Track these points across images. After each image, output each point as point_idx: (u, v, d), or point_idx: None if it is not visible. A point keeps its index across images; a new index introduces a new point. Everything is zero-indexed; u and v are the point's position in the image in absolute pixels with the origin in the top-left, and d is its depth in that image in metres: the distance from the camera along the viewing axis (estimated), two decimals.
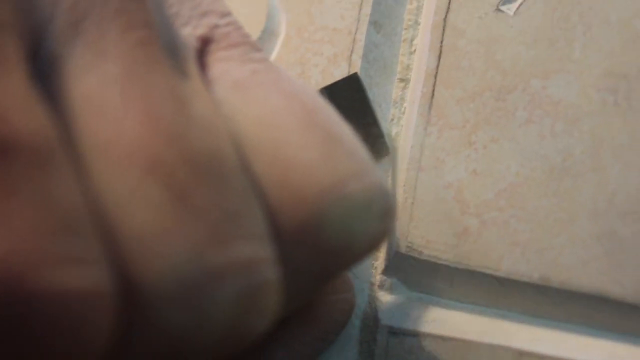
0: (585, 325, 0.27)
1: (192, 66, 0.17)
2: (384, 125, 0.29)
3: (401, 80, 0.30)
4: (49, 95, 0.15)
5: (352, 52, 0.30)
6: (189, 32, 0.18)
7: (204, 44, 0.18)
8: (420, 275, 0.29)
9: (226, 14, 0.19)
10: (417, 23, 0.30)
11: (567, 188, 0.27)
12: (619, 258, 0.26)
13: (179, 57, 0.17)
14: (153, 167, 0.15)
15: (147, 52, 0.16)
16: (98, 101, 0.15)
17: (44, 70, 0.15)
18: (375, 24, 0.30)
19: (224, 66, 0.18)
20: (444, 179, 0.28)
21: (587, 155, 0.27)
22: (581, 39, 0.27)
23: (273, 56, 0.31)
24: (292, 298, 0.18)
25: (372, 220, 0.18)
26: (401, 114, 0.29)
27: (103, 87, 0.15)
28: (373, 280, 0.29)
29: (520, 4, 0.28)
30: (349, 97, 0.27)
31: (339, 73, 0.30)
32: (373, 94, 0.30)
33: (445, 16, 0.29)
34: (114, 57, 0.15)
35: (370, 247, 0.18)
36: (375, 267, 0.29)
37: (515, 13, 0.28)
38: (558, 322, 0.28)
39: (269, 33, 0.31)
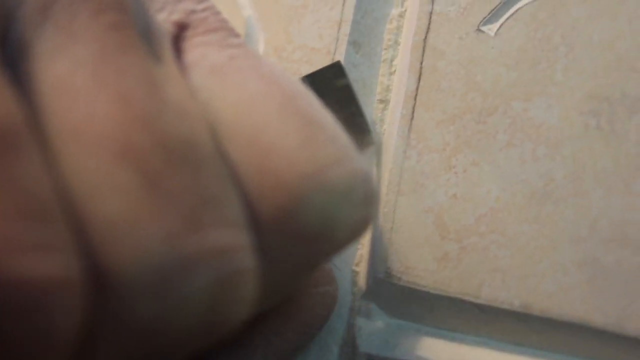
0: (566, 353, 0.27)
1: (167, 51, 0.17)
2: (369, 114, 0.28)
3: (381, 101, 0.29)
4: (18, 79, 0.15)
5: None
6: (165, 18, 0.18)
7: (180, 30, 0.18)
8: (400, 301, 0.28)
9: (199, 7, 0.18)
10: (397, 43, 0.29)
11: (548, 213, 0.26)
12: (601, 286, 0.25)
13: (153, 43, 0.16)
14: (125, 152, 0.14)
15: (120, 36, 0.15)
16: (69, 84, 0.14)
17: (12, 55, 0.15)
18: (355, 44, 0.30)
19: (201, 51, 0.17)
20: (423, 203, 0.28)
21: (569, 180, 0.26)
22: (563, 61, 0.26)
23: None
24: (272, 288, 0.18)
25: (354, 207, 0.17)
26: (381, 135, 0.29)
27: (74, 70, 0.14)
28: (352, 306, 0.29)
29: (501, 25, 0.27)
30: (332, 86, 0.26)
31: None
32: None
33: (425, 37, 0.28)
34: (86, 40, 0.15)
35: (352, 235, 0.18)
36: (354, 293, 0.29)
37: (496, 34, 0.27)
38: (539, 350, 0.27)
39: None
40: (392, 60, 0.29)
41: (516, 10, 0.27)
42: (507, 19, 0.27)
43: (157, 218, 0.14)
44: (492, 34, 0.27)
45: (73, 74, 0.14)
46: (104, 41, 0.15)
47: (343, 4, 0.29)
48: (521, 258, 0.26)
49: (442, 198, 0.27)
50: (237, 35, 0.18)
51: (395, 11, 0.30)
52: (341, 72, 0.27)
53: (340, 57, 0.29)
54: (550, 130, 0.26)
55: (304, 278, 0.20)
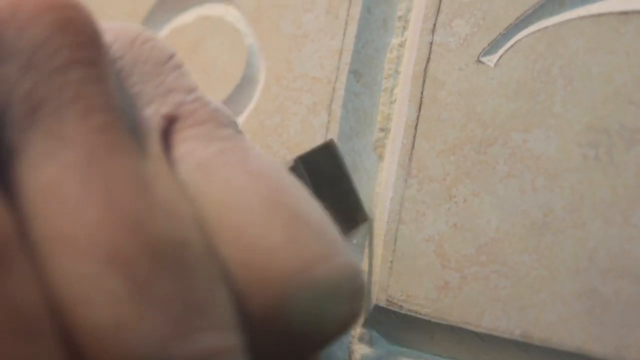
0: None
1: (156, 147, 0.17)
2: (362, 191, 0.28)
3: (381, 130, 0.30)
4: (6, 185, 0.15)
5: (331, 101, 0.29)
6: (154, 111, 0.18)
7: (170, 123, 0.18)
8: (401, 329, 0.28)
9: (192, 89, 0.18)
10: (397, 72, 0.30)
11: (548, 244, 0.26)
12: (600, 316, 0.26)
13: (142, 139, 0.16)
14: (113, 258, 0.14)
15: (108, 137, 0.15)
16: (58, 191, 0.14)
17: (1, 161, 0.15)
18: (355, 73, 0.30)
19: (189, 146, 0.17)
20: (424, 232, 0.28)
21: (568, 211, 0.26)
22: (562, 93, 0.27)
23: (252, 104, 0.31)
24: None
25: (341, 303, 0.17)
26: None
27: (63, 176, 0.15)
28: (353, 333, 0.29)
29: (501, 56, 0.27)
30: (325, 165, 0.26)
31: (318, 122, 0.29)
32: (353, 144, 0.29)
33: (426, 66, 0.28)
34: (74, 143, 0.15)
35: (340, 330, 0.18)
36: None
37: (495, 65, 0.28)
38: None
39: (248, 80, 0.31)
40: (392, 89, 0.30)
41: (515, 42, 0.27)
42: (507, 50, 0.27)
43: (146, 324, 0.14)
44: (492, 65, 0.28)
45: (61, 180, 0.15)
46: (92, 144, 0.15)
47: (344, 34, 0.30)
48: (521, 288, 0.27)
49: (443, 227, 0.28)
50: (227, 126, 0.18)
51: (395, 41, 0.30)
52: (334, 151, 0.27)
53: (341, 85, 0.29)
54: (549, 161, 0.27)
55: None
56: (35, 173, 0.15)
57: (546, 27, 0.27)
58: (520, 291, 0.27)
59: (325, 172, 0.26)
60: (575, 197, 0.26)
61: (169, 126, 0.18)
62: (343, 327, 0.17)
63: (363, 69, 0.30)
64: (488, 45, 0.28)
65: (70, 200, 0.14)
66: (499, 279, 0.27)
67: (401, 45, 0.30)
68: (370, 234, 0.28)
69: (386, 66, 0.30)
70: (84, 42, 0.16)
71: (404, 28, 0.30)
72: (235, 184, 0.17)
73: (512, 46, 0.27)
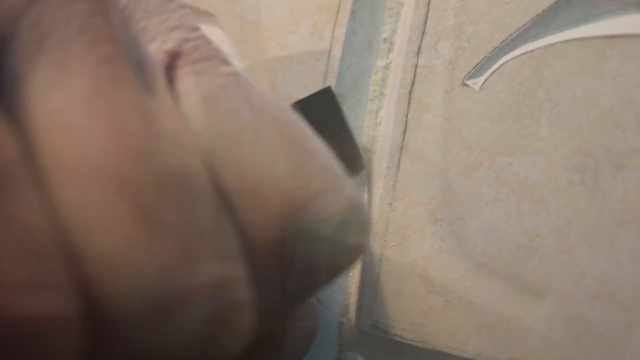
0: None
1: (160, 82, 0.17)
2: (359, 139, 0.28)
3: (367, 152, 0.29)
4: (12, 113, 0.15)
5: None
6: (158, 47, 0.18)
7: (173, 58, 0.18)
8: (386, 353, 0.28)
9: (195, 28, 0.18)
10: (382, 94, 0.29)
11: (534, 269, 0.26)
12: (587, 342, 0.26)
13: (146, 73, 0.16)
14: (120, 186, 0.14)
15: (113, 69, 0.15)
16: (63, 118, 0.14)
17: (7, 89, 0.15)
18: (340, 95, 0.30)
19: (193, 80, 0.17)
20: (409, 256, 0.28)
21: (554, 236, 0.26)
22: (547, 116, 0.26)
23: None
24: (266, 318, 0.17)
25: (346, 235, 0.17)
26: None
27: (68, 104, 0.14)
28: (338, 357, 0.29)
29: (486, 79, 0.27)
30: (323, 112, 0.26)
31: None
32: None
33: (410, 89, 0.28)
34: (79, 74, 0.15)
35: (346, 263, 0.18)
36: (341, 344, 0.29)
37: (481, 88, 0.27)
38: None
39: None
40: (377, 112, 0.29)
41: (501, 65, 0.27)
42: (492, 73, 0.27)
43: (152, 252, 0.14)
44: (477, 88, 0.27)
45: (67, 108, 0.15)
46: (98, 74, 0.15)
47: (328, 56, 0.29)
48: (507, 313, 0.26)
49: (428, 251, 0.27)
50: (229, 63, 0.18)
51: (380, 63, 0.30)
52: (332, 98, 0.27)
53: None
54: (535, 185, 0.26)
55: (298, 306, 0.20)
56: (41, 101, 0.15)
57: (532, 51, 0.27)
58: (506, 316, 0.26)
59: (322, 118, 0.26)
60: (561, 222, 0.26)
61: (173, 62, 0.18)
62: (348, 261, 0.18)
63: (348, 91, 0.30)
64: (473, 68, 0.27)
65: (76, 128, 0.14)
66: (485, 303, 0.27)
67: (386, 67, 0.30)
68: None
69: (371, 88, 0.30)
70: None
71: (389, 50, 0.30)
72: (240, 117, 0.17)
73: (497, 69, 0.27)
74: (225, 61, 0.18)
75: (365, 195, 0.28)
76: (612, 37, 0.26)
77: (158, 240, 0.14)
